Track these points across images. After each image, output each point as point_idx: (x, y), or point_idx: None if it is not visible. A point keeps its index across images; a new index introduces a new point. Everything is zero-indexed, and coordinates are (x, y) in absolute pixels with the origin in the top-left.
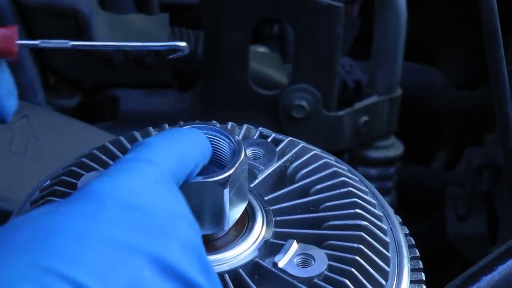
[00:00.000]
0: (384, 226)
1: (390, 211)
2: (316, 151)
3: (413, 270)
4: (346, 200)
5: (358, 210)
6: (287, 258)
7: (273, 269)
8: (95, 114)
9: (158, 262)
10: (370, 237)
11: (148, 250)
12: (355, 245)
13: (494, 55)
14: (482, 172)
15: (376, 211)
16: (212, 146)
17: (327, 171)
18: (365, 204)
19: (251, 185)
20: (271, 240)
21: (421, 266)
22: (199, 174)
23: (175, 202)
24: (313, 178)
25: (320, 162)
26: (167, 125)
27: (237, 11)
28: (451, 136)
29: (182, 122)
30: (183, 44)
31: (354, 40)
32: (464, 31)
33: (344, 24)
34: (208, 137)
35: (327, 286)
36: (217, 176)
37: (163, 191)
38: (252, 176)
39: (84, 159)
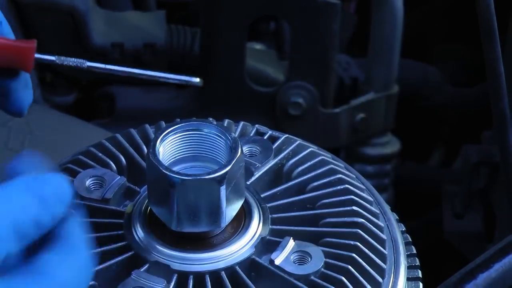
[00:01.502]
0: (381, 224)
1: (387, 208)
2: (313, 148)
3: (409, 267)
4: (343, 198)
5: (354, 208)
6: (283, 255)
7: (269, 266)
8: (92, 111)
9: None
10: (367, 235)
11: None
12: (352, 242)
13: (491, 52)
14: (479, 169)
15: (372, 208)
16: (209, 144)
17: (324, 169)
18: (362, 202)
19: (248, 183)
20: (268, 237)
21: (417, 263)
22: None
23: None
24: (309, 175)
25: (316, 160)
26: (163, 123)
27: (233, 8)
28: (448, 133)
29: (179, 119)
30: (196, 80)
31: (351, 37)
32: (461, 28)
33: (340, 21)
34: (205, 134)
35: (324, 283)
36: (213, 173)
37: None
38: (249, 173)
39: (81, 157)
